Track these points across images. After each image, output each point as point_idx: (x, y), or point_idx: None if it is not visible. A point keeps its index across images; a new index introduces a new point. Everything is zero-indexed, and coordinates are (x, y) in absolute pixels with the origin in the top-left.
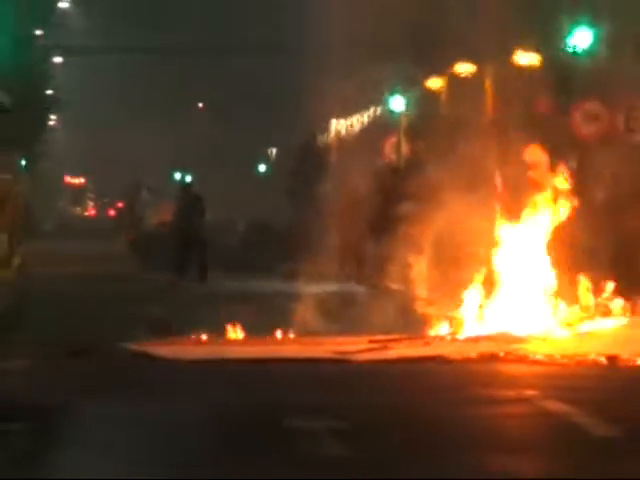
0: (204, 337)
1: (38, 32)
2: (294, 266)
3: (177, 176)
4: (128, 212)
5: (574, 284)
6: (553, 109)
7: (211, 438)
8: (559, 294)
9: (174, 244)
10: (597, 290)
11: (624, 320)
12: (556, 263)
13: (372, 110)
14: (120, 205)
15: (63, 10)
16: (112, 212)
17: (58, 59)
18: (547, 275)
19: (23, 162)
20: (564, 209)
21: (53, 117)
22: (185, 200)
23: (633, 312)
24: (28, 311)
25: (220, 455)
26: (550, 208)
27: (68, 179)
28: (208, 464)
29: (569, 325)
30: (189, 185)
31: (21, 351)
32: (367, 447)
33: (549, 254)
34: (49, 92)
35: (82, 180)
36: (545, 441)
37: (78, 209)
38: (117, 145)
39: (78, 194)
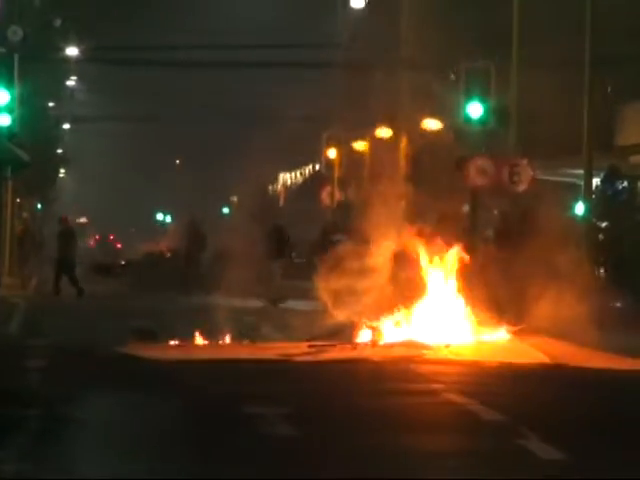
0: (178, 342)
1: (51, 104)
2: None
3: (159, 216)
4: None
5: (473, 305)
6: (452, 164)
7: (185, 421)
8: (460, 312)
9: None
10: (489, 310)
11: (508, 334)
12: (459, 287)
13: (311, 166)
14: (112, 237)
15: (71, 87)
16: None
17: (67, 125)
18: (451, 297)
19: (39, 205)
20: (463, 244)
21: (62, 170)
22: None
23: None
24: (43, 322)
25: (193, 435)
26: (453, 242)
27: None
28: (183, 442)
29: (467, 336)
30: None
31: (39, 353)
32: (309, 427)
33: (454, 279)
34: (59, 151)
35: (85, 219)
36: (445, 424)
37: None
38: (112, 191)
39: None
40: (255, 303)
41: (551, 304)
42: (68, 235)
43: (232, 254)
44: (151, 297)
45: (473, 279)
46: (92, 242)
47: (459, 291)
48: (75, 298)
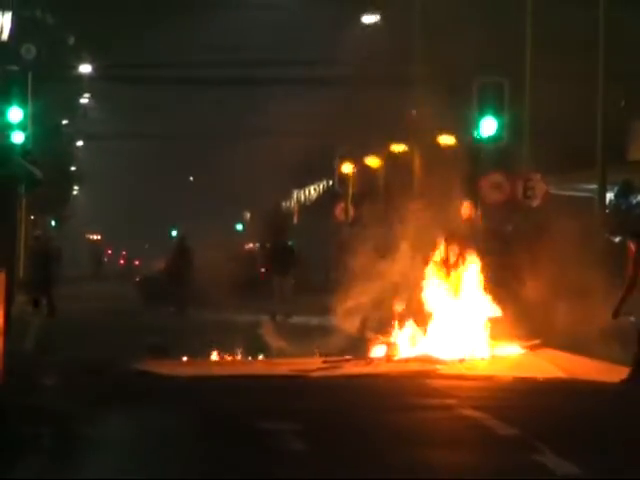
0: (192, 359)
1: (64, 122)
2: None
3: (174, 232)
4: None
5: (488, 319)
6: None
7: (200, 436)
8: (475, 327)
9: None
10: (503, 325)
11: (523, 349)
12: (475, 302)
13: (325, 182)
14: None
15: (84, 104)
16: (122, 261)
17: (80, 143)
18: (466, 312)
19: (53, 222)
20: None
21: (76, 187)
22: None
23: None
24: (57, 339)
25: (208, 448)
26: (467, 259)
27: (88, 236)
28: (199, 455)
29: (481, 350)
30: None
31: (53, 369)
32: (322, 444)
33: (469, 295)
34: (73, 168)
35: (98, 236)
36: (461, 438)
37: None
38: (126, 208)
39: (96, 248)
40: (258, 318)
41: (567, 318)
42: (41, 254)
43: (237, 270)
44: (163, 314)
45: (490, 293)
46: (122, 261)
47: (474, 305)
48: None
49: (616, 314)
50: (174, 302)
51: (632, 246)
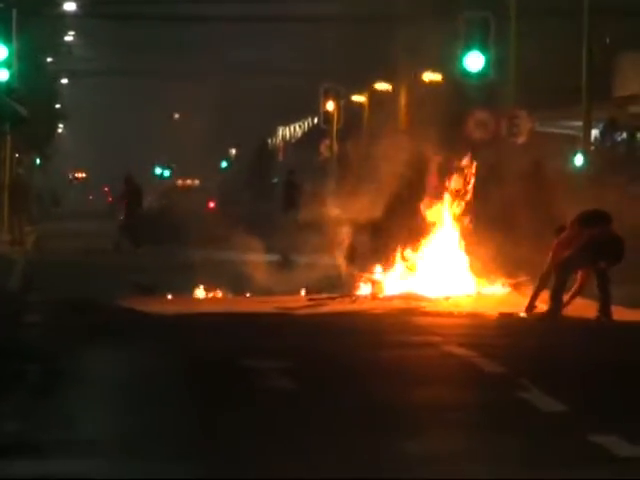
0: (177, 296)
1: (49, 59)
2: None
3: (158, 170)
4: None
5: (473, 257)
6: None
7: (184, 374)
8: (460, 265)
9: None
10: (490, 264)
11: (508, 287)
12: (463, 241)
13: (310, 119)
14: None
15: (69, 42)
16: (110, 199)
17: (65, 80)
18: (453, 250)
19: (38, 160)
20: (464, 199)
21: (61, 125)
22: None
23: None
24: (41, 277)
25: (191, 386)
26: (455, 197)
27: (73, 174)
28: (182, 395)
29: (467, 288)
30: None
31: (37, 308)
32: (307, 381)
33: (457, 233)
34: (58, 106)
35: (84, 174)
36: (445, 376)
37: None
38: (111, 146)
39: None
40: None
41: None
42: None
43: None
44: (149, 253)
45: (475, 232)
46: (91, 197)
47: (460, 243)
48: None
49: (530, 309)
50: (131, 240)
51: (555, 241)
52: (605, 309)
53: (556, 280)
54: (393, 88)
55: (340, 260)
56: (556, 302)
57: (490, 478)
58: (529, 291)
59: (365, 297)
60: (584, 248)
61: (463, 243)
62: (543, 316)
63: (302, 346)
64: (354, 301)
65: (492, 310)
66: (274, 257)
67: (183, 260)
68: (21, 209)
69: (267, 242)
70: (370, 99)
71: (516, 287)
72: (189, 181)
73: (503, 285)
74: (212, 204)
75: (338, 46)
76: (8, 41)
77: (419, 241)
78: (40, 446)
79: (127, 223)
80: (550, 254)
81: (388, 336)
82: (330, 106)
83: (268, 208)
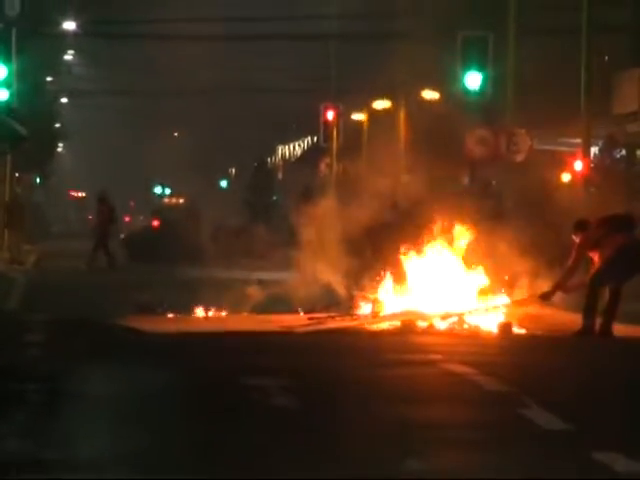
0: (177, 315)
1: (49, 79)
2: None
3: (157, 189)
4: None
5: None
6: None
7: (185, 393)
8: (461, 282)
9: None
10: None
11: (507, 302)
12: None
13: (309, 138)
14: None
15: (68, 61)
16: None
17: (64, 100)
18: (451, 267)
19: (38, 179)
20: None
21: (60, 145)
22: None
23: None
24: (41, 297)
25: (193, 405)
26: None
27: (72, 193)
28: (183, 413)
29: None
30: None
31: (38, 327)
32: (308, 399)
33: (455, 252)
34: (57, 125)
35: (83, 194)
36: (446, 394)
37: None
38: (109, 164)
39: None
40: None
41: (554, 274)
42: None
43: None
44: (149, 270)
45: (475, 249)
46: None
47: (460, 261)
48: None
49: (547, 296)
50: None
51: (575, 238)
52: (607, 327)
53: (588, 297)
54: (392, 106)
55: (341, 278)
56: (589, 319)
57: None
58: (531, 308)
59: (365, 315)
60: (613, 262)
61: (465, 260)
62: (577, 334)
63: (303, 364)
64: (354, 320)
65: (493, 328)
66: (266, 275)
67: (180, 278)
68: (18, 228)
69: (263, 260)
70: (369, 117)
71: (518, 304)
72: (174, 199)
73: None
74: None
75: (338, 64)
76: (8, 60)
77: (420, 259)
78: (42, 464)
79: (101, 242)
80: (573, 253)
81: (388, 354)
82: (329, 124)
83: (266, 227)
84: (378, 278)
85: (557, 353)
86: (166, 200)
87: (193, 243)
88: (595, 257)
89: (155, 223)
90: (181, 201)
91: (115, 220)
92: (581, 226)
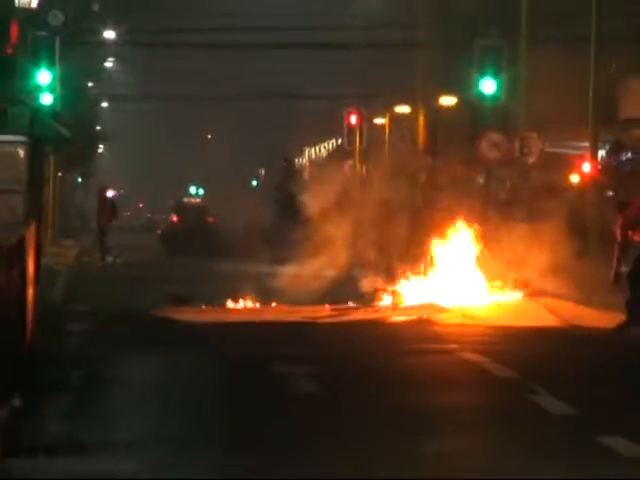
0: (212, 306)
1: (90, 84)
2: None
3: (192, 190)
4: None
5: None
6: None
7: (220, 379)
8: (475, 275)
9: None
10: (501, 273)
11: (520, 295)
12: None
13: (334, 140)
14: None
15: (108, 68)
16: (148, 214)
17: (105, 104)
18: (467, 261)
19: (79, 179)
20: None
21: (101, 147)
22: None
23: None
24: (84, 288)
25: (227, 391)
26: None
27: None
28: (219, 398)
29: (481, 298)
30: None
31: (82, 317)
32: (335, 385)
33: (470, 244)
34: (98, 128)
35: (123, 192)
36: (461, 381)
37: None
38: (147, 166)
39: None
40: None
41: (563, 267)
42: None
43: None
44: (185, 264)
45: (488, 244)
46: (149, 214)
47: (475, 255)
48: None
49: (617, 278)
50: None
51: (619, 217)
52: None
53: (630, 292)
54: (412, 111)
55: (366, 272)
56: (631, 315)
57: (500, 478)
58: (541, 300)
59: (386, 307)
60: None
61: (482, 254)
62: (618, 327)
63: (327, 353)
64: (376, 311)
65: (506, 319)
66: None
67: (212, 271)
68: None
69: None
70: (390, 121)
71: (529, 296)
72: (192, 200)
73: (518, 294)
74: (211, 219)
75: (362, 71)
76: (52, 67)
77: (439, 253)
78: (84, 446)
79: (99, 236)
80: (618, 231)
81: (407, 344)
82: (353, 128)
83: (294, 223)
84: (400, 270)
85: (566, 342)
86: (185, 200)
87: (224, 239)
88: (636, 237)
89: (174, 218)
90: (198, 201)
91: (111, 216)
92: (622, 206)
